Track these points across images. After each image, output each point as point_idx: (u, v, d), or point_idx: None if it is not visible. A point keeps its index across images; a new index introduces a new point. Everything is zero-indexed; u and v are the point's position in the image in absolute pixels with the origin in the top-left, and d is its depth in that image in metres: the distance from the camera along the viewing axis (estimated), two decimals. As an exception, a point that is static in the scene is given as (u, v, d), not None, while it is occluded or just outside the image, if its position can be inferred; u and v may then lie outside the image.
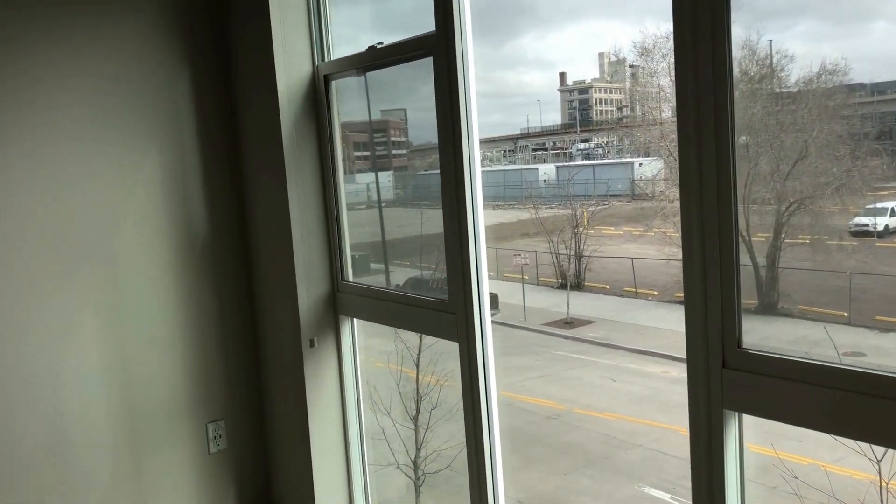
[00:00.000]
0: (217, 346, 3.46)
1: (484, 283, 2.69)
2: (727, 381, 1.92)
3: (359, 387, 3.38)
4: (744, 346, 1.91)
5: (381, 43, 2.93)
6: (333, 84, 3.24)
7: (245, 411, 3.56)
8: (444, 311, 2.77)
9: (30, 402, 3.01)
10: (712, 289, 1.91)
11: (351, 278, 3.31)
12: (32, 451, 3.02)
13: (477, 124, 2.64)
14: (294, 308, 3.22)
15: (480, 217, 2.67)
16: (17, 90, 2.95)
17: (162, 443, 3.33)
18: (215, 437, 3.46)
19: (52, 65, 3.02)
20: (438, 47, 2.63)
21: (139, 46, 3.22)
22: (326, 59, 3.24)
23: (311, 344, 3.24)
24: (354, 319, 3.33)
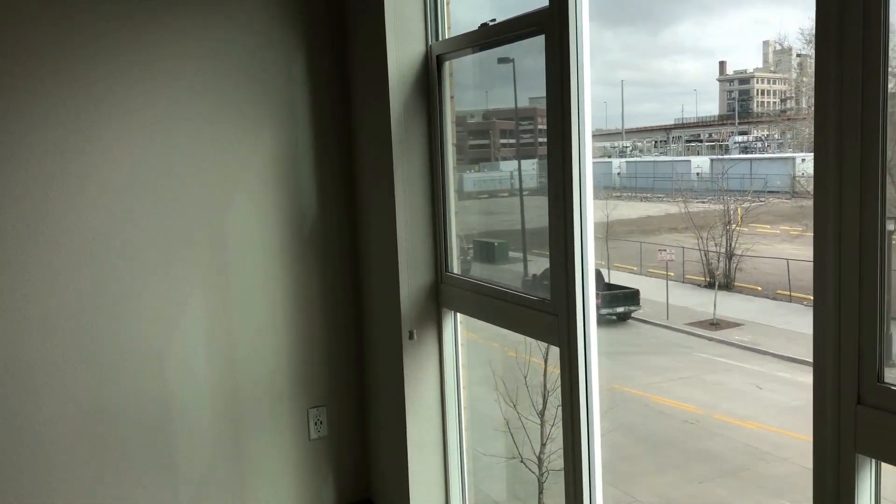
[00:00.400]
0: (321, 331, 3.40)
1: (590, 283, 2.44)
2: (862, 420, 1.59)
3: (459, 383, 3.21)
4: (885, 381, 1.57)
5: (494, 20, 2.73)
6: (447, 65, 3.08)
7: (347, 399, 3.49)
8: (545, 311, 2.55)
9: (139, 380, 3.06)
10: (848, 307, 1.59)
11: (456, 270, 3.14)
12: (139, 426, 3.08)
13: (590, 110, 2.39)
14: (395, 298, 3.10)
15: (589, 212, 2.42)
16: (135, 72, 2.98)
17: (264, 425, 3.32)
18: (317, 423, 3.41)
19: (168, 45, 3.04)
20: (551, 24, 2.40)
21: (254, 28, 3.19)
22: (441, 38, 3.08)
23: (411, 336, 3.10)
24: (458, 314, 3.17)
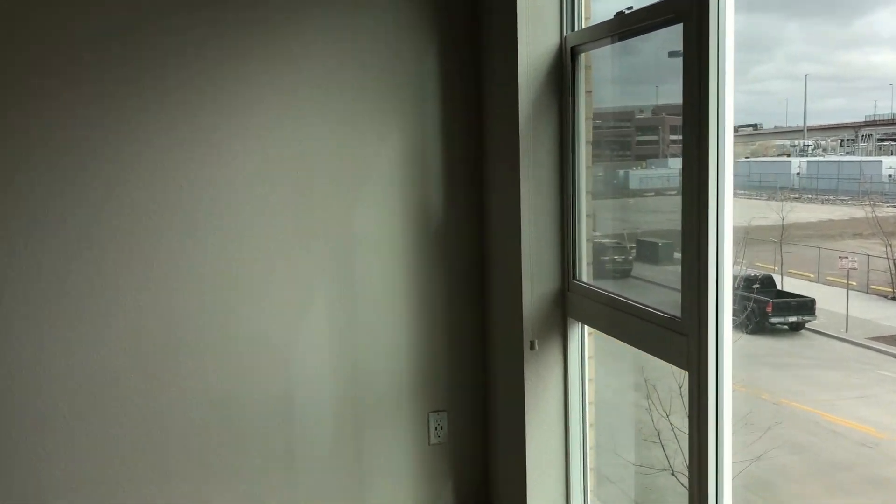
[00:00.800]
0: (444, 333, 3.31)
1: (725, 300, 2.18)
2: None
3: (585, 399, 3.00)
4: None
5: (631, 8, 2.50)
6: (582, 57, 2.87)
7: (469, 405, 3.38)
8: (674, 329, 2.31)
9: (262, 373, 3.10)
10: None
11: (584, 277, 2.94)
12: (262, 418, 3.12)
13: (731, 106, 2.12)
14: (517, 305, 2.94)
15: (727, 219, 2.15)
16: (270, 65, 3.01)
17: (383, 425, 3.27)
18: (436, 428, 3.32)
19: (301, 39, 3.04)
20: (689, 11, 2.15)
21: (385, 18, 3.12)
22: (577, 29, 2.88)
23: (532, 346, 2.93)
24: (585, 326, 2.96)
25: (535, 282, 2.93)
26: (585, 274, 2.94)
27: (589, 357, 3.03)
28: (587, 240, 2.95)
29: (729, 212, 2.15)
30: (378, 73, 3.13)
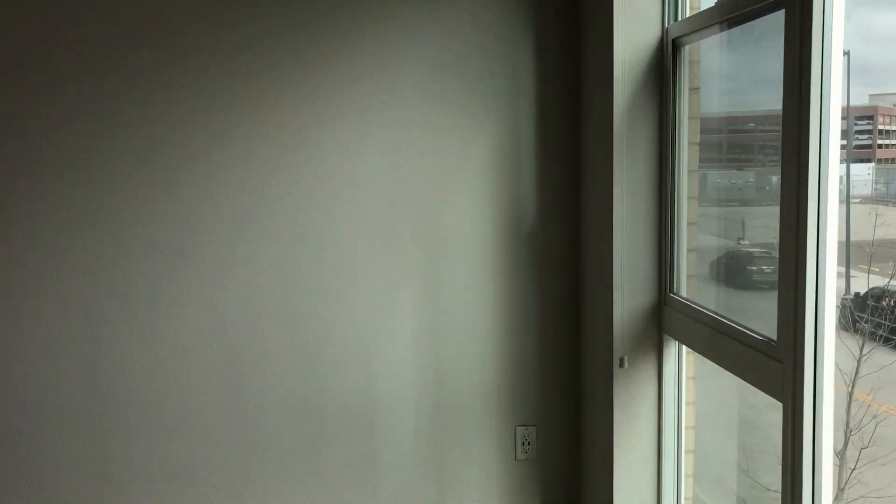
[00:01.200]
0: (535, 344, 3.14)
1: (827, 324, 1.90)
2: None
3: (681, 424, 2.75)
4: None
5: (732, -6, 2.25)
6: (685, 50, 2.63)
7: (559, 422, 3.19)
8: (768, 354, 2.05)
9: (346, 375, 3.07)
10: None
11: (684, 291, 2.69)
12: (344, 420, 3.08)
13: (838, 104, 1.85)
14: (607, 317, 2.73)
15: (831, 234, 1.88)
16: (358, 69, 2.97)
17: (468, 437, 3.15)
18: (524, 444, 3.16)
19: (396, 39, 2.98)
20: (791, -5, 1.90)
21: (476, 12, 3.01)
22: (680, 19, 2.64)
23: (621, 364, 2.71)
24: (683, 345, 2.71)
25: (628, 294, 2.71)
26: (685, 288, 2.69)
27: (689, 378, 2.78)
28: (688, 250, 2.70)
29: (833, 223, 1.88)
30: (469, 70, 3.02)
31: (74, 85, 2.83)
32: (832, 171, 1.86)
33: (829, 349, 1.91)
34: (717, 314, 2.38)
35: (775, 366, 2.01)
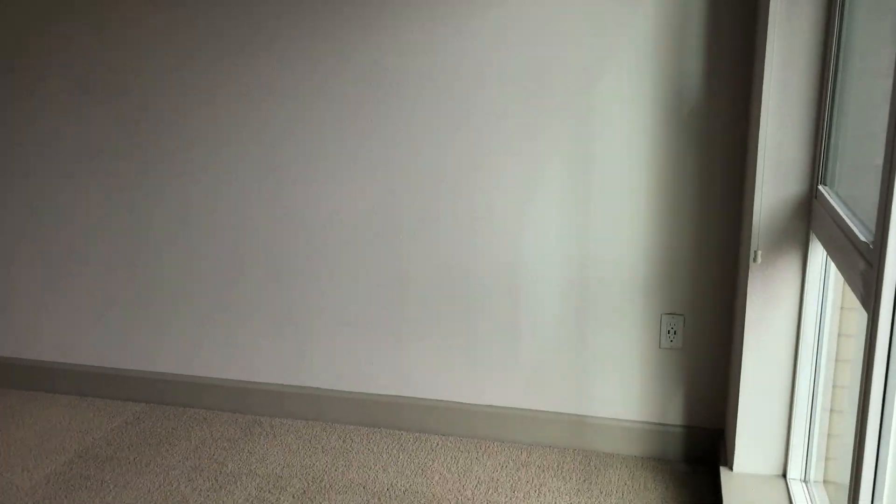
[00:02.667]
0: (689, 232, 2.93)
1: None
2: None
3: (823, 332, 2.45)
4: None
5: None
6: None
7: (707, 312, 2.98)
8: (865, 257, 1.76)
9: (494, 245, 3.13)
10: None
11: (837, 185, 2.32)
12: (491, 289, 3.18)
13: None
14: (748, 206, 2.46)
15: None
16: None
17: (610, 318, 3.08)
18: (669, 332, 3.03)
19: None
20: None
21: None
22: None
23: (754, 258, 2.45)
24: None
25: (770, 182, 2.41)
26: (838, 180, 2.33)
27: (841, 308, 2.44)
28: (851, 137, 2.31)
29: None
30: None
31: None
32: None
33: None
34: (841, 213, 2.05)
35: (867, 270, 1.72)
